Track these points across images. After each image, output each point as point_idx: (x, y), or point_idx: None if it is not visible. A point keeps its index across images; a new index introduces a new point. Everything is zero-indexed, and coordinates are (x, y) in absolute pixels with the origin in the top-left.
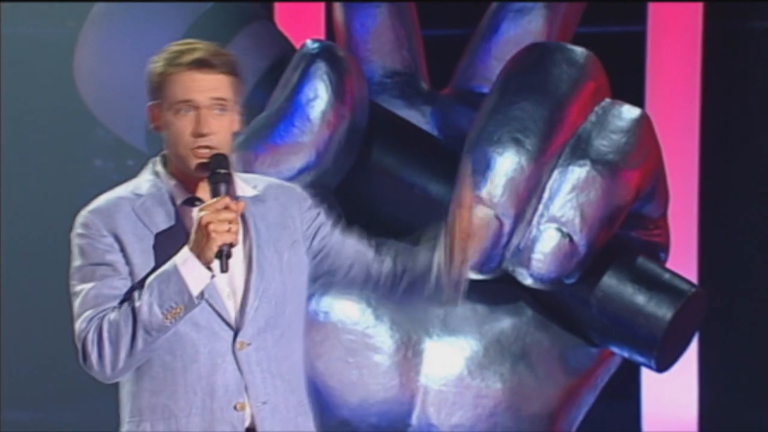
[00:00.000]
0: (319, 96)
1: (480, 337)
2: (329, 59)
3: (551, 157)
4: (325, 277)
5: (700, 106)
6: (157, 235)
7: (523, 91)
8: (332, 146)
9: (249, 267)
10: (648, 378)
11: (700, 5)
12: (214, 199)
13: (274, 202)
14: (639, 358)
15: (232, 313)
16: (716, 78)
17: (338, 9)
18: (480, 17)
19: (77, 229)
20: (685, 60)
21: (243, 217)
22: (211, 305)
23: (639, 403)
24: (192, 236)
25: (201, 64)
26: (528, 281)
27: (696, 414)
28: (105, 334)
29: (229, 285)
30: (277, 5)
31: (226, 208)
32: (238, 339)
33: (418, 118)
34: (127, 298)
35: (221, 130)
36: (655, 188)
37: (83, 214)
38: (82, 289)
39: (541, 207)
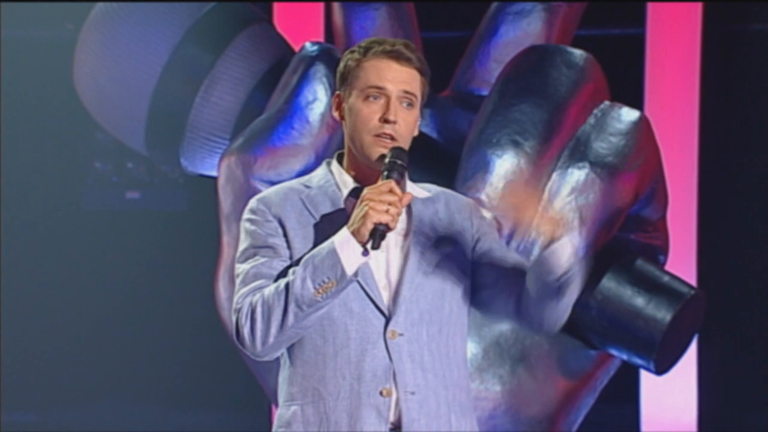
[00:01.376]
0: (318, 98)
1: (479, 340)
2: (328, 62)
3: (550, 160)
4: (479, 291)
5: (699, 109)
6: (321, 223)
7: (523, 94)
8: (331, 148)
9: (405, 258)
10: (647, 380)
11: (699, 8)
12: (381, 182)
13: (444, 206)
14: (638, 361)
15: (386, 302)
16: (715, 80)
17: (337, 11)
18: (479, 20)
19: (245, 215)
20: (684, 62)
21: (410, 214)
22: (366, 292)
23: (638, 406)
24: (353, 215)
25: (398, 55)
26: None
27: (695, 416)
28: (258, 309)
29: (386, 276)
30: (276, 5)
31: (390, 191)
32: (390, 327)
33: None
34: (283, 275)
35: (407, 122)
36: (654, 191)
37: (251, 202)
38: (243, 269)
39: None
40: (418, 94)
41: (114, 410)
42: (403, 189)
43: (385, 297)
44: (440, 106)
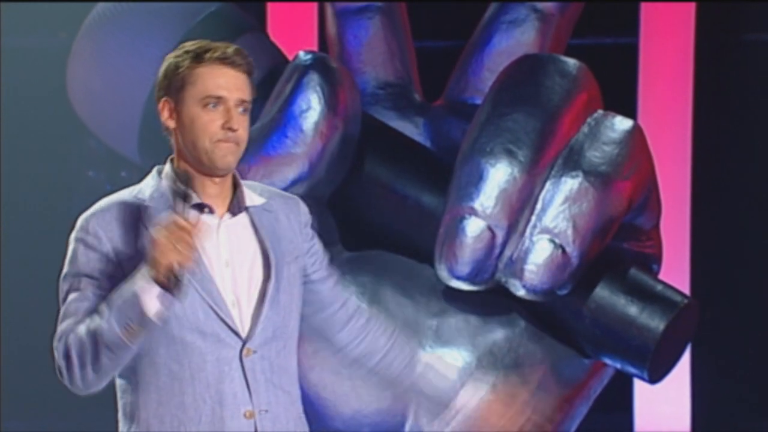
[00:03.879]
0: (311, 107)
1: (473, 349)
2: (322, 70)
3: (544, 169)
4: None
5: (692, 118)
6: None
7: (516, 103)
8: (325, 157)
9: (267, 276)
10: (641, 389)
11: (692, 17)
12: (168, 219)
13: (280, 214)
14: (631, 370)
15: (237, 320)
16: (709, 89)
17: (330, 20)
18: (472, 29)
19: (75, 232)
20: (678, 71)
21: (254, 225)
22: (216, 313)
23: (632, 415)
24: (148, 256)
25: (232, 62)
26: (521, 292)
27: (689, 425)
28: (72, 350)
29: (233, 292)
30: (269, 5)
31: (177, 227)
32: (247, 346)
33: (411, 129)
34: (96, 309)
35: (245, 128)
36: (648, 199)
37: (84, 218)
38: (65, 298)
39: (533, 218)
40: (250, 99)
41: (112, 418)
42: (243, 206)
43: (234, 314)
44: (433, 115)
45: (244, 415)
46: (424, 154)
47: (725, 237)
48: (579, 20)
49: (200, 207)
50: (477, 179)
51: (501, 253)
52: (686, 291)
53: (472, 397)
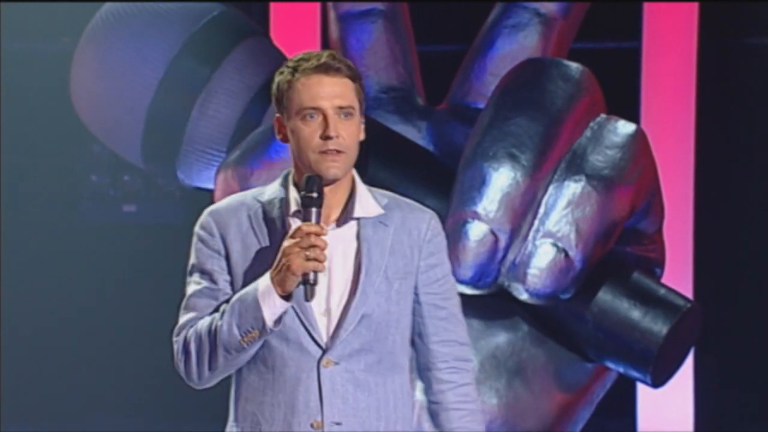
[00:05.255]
0: None
1: (476, 353)
2: None
3: (547, 173)
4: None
5: (695, 122)
6: (263, 245)
7: (519, 107)
8: None
9: (353, 290)
10: (644, 393)
11: (695, 21)
12: (295, 227)
13: (399, 227)
14: (635, 374)
15: (323, 331)
16: (711, 93)
17: (333, 25)
18: (475, 33)
19: (196, 228)
20: (680, 75)
21: (359, 238)
22: (301, 321)
23: (635, 419)
24: (275, 265)
25: (327, 68)
26: (524, 296)
27: (692, 429)
28: (191, 346)
29: (326, 302)
30: (272, 6)
31: (307, 234)
32: (326, 356)
33: (414, 133)
34: (217, 310)
35: (349, 133)
36: (651, 204)
37: (204, 213)
38: (188, 291)
39: (536, 222)
40: (355, 102)
41: (111, 422)
42: (352, 214)
43: (322, 325)
44: (436, 119)
45: (312, 425)
46: (426, 158)
47: (728, 241)
48: (582, 24)
49: (299, 214)
50: (480, 183)
51: (504, 257)
52: (689, 295)
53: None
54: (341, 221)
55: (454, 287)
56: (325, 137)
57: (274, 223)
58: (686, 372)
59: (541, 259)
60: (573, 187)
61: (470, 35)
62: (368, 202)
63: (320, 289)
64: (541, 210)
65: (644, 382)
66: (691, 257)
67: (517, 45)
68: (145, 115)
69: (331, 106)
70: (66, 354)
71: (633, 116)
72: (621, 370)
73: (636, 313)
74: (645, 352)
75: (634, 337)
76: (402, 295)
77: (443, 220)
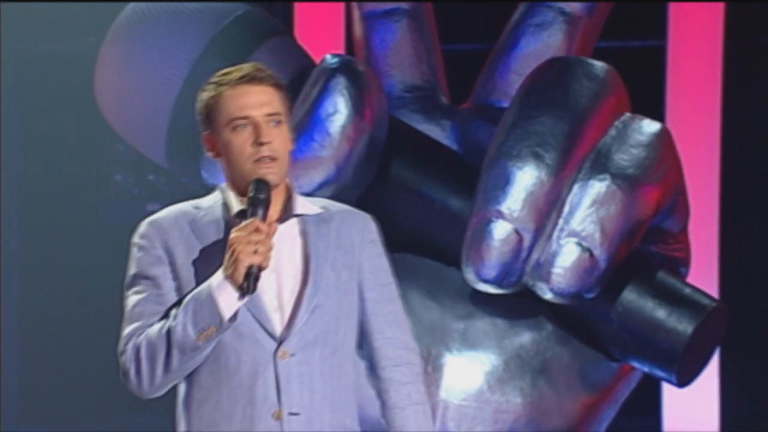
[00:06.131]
0: (338, 110)
1: (500, 352)
2: (349, 74)
3: (571, 172)
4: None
5: (720, 120)
6: (206, 249)
7: (543, 106)
8: (352, 161)
9: (304, 281)
10: (669, 393)
11: (720, 19)
12: (246, 222)
13: (340, 224)
14: (660, 373)
15: (277, 324)
16: (737, 92)
17: (357, 24)
18: (499, 32)
19: (134, 238)
20: (706, 74)
21: (303, 234)
22: (254, 316)
23: (660, 419)
24: (225, 259)
25: (251, 79)
26: (548, 296)
27: (717, 429)
28: (142, 352)
29: (277, 299)
30: (297, 6)
31: (256, 230)
32: (282, 348)
33: (438, 132)
34: (166, 314)
35: (280, 140)
36: (676, 202)
37: (143, 224)
38: (129, 302)
39: (561, 221)
40: (282, 109)
41: (132, 423)
42: (290, 212)
43: (275, 319)
44: (460, 118)
45: (273, 416)
46: (450, 157)
47: (754, 240)
48: (606, 23)
49: (246, 214)
50: (504, 182)
51: (528, 256)
52: (715, 294)
53: (500, 400)
54: (283, 218)
55: (396, 288)
56: (258, 144)
57: (216, 226)
58: (712, 372)
59: (566, 258)
60: (598, 186)
61: (494, 34)
62: (307, 203)
63: (271, 286)
64: (566, 209)
65: (669, 381)
66: (717, 256)
67: (541, 44)
68: (169, 114)
69: (261, 114)
70: (88, 354)
71: (658, 115)
72: (646, 369)
73: (661, 313)
74: (670, 352)
75: (659, 337)
76: (350, 286)
77: (467, 219)
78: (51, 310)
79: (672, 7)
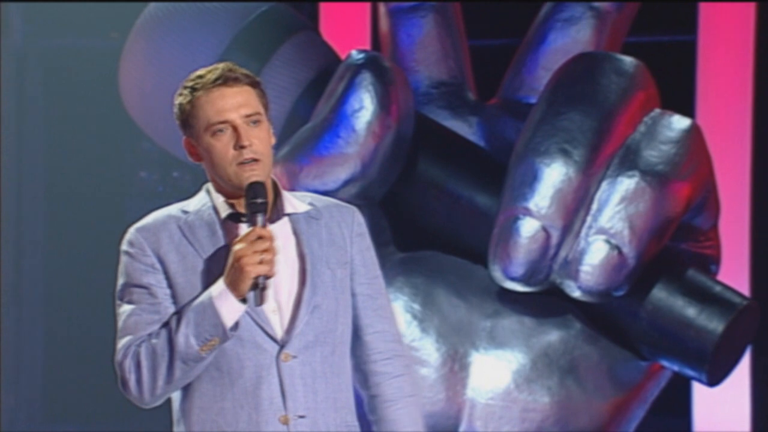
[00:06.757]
0: (364, 107)
1: (527, 350)
2: (375, 70)
3: (599, 168)
4: None
5: (752, 116)
6: (200, 253)
7: (572, 102)
8: (378, 157)
9: (302, 281)
10: (699, 392)
11: (752, 13)
12: (247, 231)
13: (329, 220)
14: (690, 372)
15: (277, 327)
16: None
17: (384, 19)
18: (527, 27)
19: (123, 246)
20: (737, 69)
21: (295, 233)
22: (254, 320)
23: (690, 419)
24: (227, 269)
25: (225, 80)
26: (576, 294)
27: (749, 429)
28: (143, 362)
29: (275, 300)
30: (322, 5)
31: (259, 238)
32: (284, 351)
33: (465, 128)
34: (165, 323)
35: (261, 139)
36: (706, 199)
37: (130, 231)
38: (123, 311)
39: (589, 218)
40: (260, 108)
41: (156, 423)
42: (281, 211)
43: (274, 321)
44: (488, 114)
45: (279, 420)
46: (477, 153)
47: None
48: (636, 17)
49: (236, 216)
50: (531, 179)
51: (556, 253)
52: (745, 292)
53: (527, 399)
54: (273, 218)
55: (382, 282)
56: (239, 147)
57: (207, 229)
58: (743, 371)
59: (594, 255)
60: (627, 183)
61: (522, 29)
62: (294, 200)
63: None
64: (594, 206)
65: (700, 380)
66: (748, 254)
67: (569, 39)
68: None
69: (239, 116)
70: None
71: (688, 111)
72: (676, 368)
73: (691, 311)
74: (700, 351)
75: (689, 336)
76: (344, 284)
77: (494, 216)
78: (75, 307)
79: (702, 6)
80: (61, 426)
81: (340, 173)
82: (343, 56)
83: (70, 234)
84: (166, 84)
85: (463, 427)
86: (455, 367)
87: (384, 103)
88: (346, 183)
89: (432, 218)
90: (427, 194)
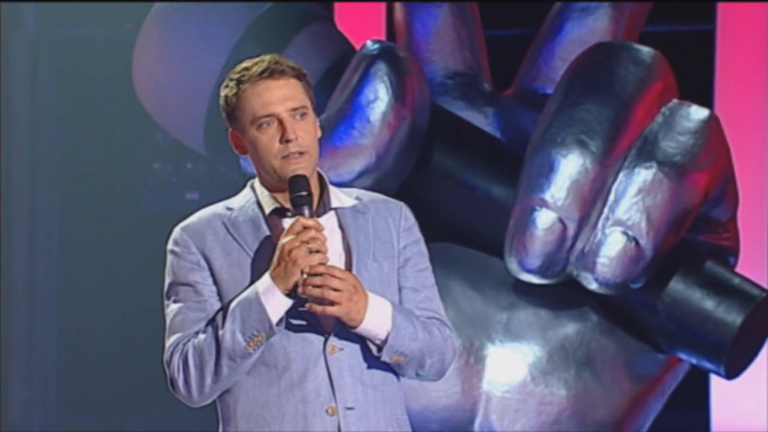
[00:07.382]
0: (379, 97)
1: (544, 343)
2: (390, 60)
3: (617, 159)
4: None
5: None
6: (245, 248)
7: (588, 92)
8: (393, 148)
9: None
10: (718, 385)
11: None
12: (291, 222)
13: (375, 215)
14: (708, 365)
15: (323, 318)
16: None
17: (399, 9)
18: (544, 17)
19: (169, 245)
20: (756, 59)
21: (341, 226)
22: (300, 313)
23: (708, 411)
24: (274, 263)
25: (272, 73)
26: (593, 286)
27: (767, 421)
28: (190, 361)
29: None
30: (337, 5)
31: (305, 228)
32: (330, 343)
33: (480, 119)
34: (212, 320)
35: (307, 132)
36: (724, 190)
37: (176, 230)
38: (170, 310)
39: (606, 210)
40: (306, 101)
41: (171, 415)
42: (328, 205)
43: (321, 314)
44: (503, 105)
45: (327, 412)
46: (493, 144)
47: None
48: (653, 7)
49: (281, 211)
50: (548, 170)
51: (572, 245)
52: (764, 284)
53: (543, 392)
54: (319, 212)
55: (432, 276)
56: (285, 141)
57: (252, 225)
58: (761, 363)
59: (611, 247)
60: (644, 174)
61: (538, 19)
62: (341, 194)
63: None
64: (611, 197)
65: (718, 373)
66: (766, 245)
67: (586, 29)
68: (207, 101)
69: (285, 110)
70: (127, 344)
71: (706, 101)
72: (693, 361)
73: (709, 303)
74: (718, 343)
75: (707, 328)
76: (391, 277)
77: (510, 208)
78: (90, 298)
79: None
80: (74, 419)
81: (354, 164)
82: (358, 46)
83: (83, 224)
84: (179, 75)
85: (478, 420)
86: (471, 359)
87: (399, 94)
88: (361, 174)
89: (447, 210)
90: (442, 186)
